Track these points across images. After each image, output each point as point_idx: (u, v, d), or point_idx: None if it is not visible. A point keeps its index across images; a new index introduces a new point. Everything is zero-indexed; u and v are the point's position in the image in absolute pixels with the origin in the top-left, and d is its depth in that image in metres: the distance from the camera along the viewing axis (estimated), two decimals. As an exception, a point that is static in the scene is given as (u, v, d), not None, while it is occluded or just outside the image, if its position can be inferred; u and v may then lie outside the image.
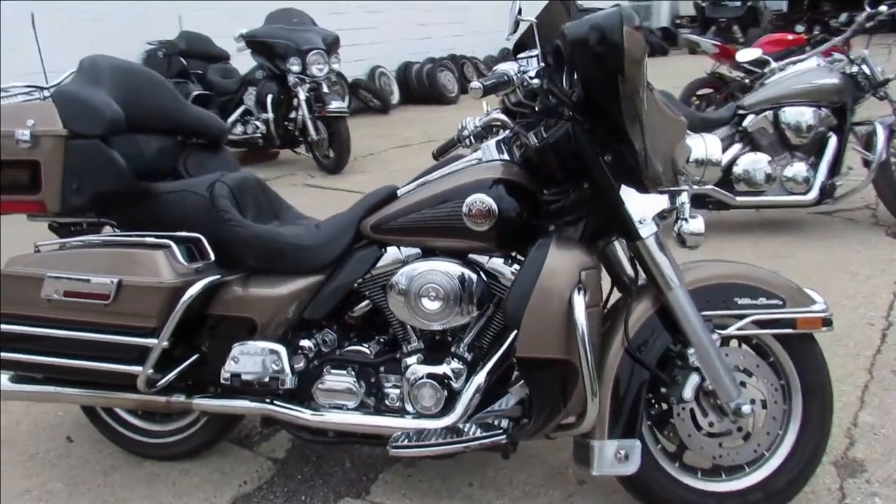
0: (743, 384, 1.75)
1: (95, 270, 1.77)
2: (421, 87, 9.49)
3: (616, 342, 1.72)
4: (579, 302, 1.57)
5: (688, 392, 1.72)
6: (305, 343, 1.89)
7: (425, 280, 1.73)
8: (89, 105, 1.77)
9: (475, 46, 11.21)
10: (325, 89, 5.74)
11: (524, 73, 1.61)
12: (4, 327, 1.83)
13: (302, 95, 5.60)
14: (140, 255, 1.77)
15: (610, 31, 1.43)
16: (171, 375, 1.84)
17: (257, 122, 5.82)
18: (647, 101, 1.57)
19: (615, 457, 1.68)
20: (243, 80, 6.05)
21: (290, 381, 1.82)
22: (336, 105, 5.56)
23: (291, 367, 1.84)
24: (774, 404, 1.79)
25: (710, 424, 1.74)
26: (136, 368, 1.77)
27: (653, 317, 1.73)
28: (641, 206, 1.66)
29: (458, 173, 1.78)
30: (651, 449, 1.75)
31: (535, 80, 1.61)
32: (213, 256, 1.83)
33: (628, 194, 1.65)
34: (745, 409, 1.68)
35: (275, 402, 1.86)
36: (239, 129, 6.00)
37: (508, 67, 1.62)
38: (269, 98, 5.70)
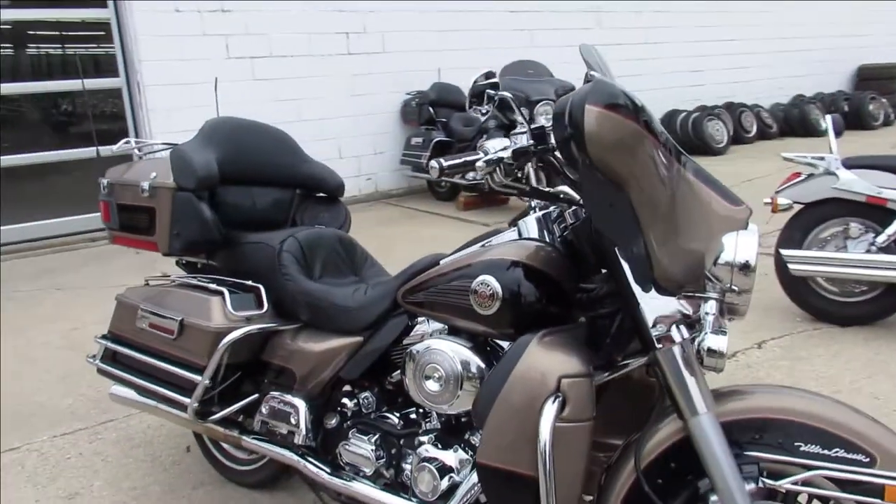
0: (796, 555, 1.35)
1: (170, 308, 2.00)
2: (685, 136, 8.96)
3: (630, 465, 1.44)
4: (548, 413, 1.35)
5: (707, 548, 1.37)
6: (345, 401, 1.91)
7: (430, 359, 1.64)
8: (189, 163, 2.02)
9: (760, 94, 10.28)
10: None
11: (504, 149, 1.46)
12: (109, 345, 2.16)
13: (527, 145, 5.66)
14: (201, 299, 1.95)
15: (574, 109, 1.24)
16: (225, 412, 1.99)
17: (484, 169, 6.01)
18: (668, 184, 1.32)
19: None
20: (479, 128, 6.30)
21: (302, 438, 1.86)
22: (556, 155, 5.52)
23: (312, 423, 1.87)
24: None
25: None
26: (187, 399, 1.95)
27: (683, 442, 1.42)
28: (664, 310, 1.38)
29: (485, 250, 1.66)
30: None
31: (509, 160, 1.45)
32: (265, 306, 1.95)
33: (650, 295, 1.39)
34: None
35: (305, 454, 1.91)
36: (470, 174, 6.25)
37: (494, 144, 1.48)
38: (495, 146, 5.86)
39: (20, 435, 2.73)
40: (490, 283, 1.54)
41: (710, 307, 1.34)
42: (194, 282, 2.05)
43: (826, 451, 1.33)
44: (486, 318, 1.57)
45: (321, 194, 2.42)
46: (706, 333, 1.33)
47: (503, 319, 1.55)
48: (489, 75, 1.52)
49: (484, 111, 1.52)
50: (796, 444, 1.35)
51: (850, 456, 1.31)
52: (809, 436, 1.34)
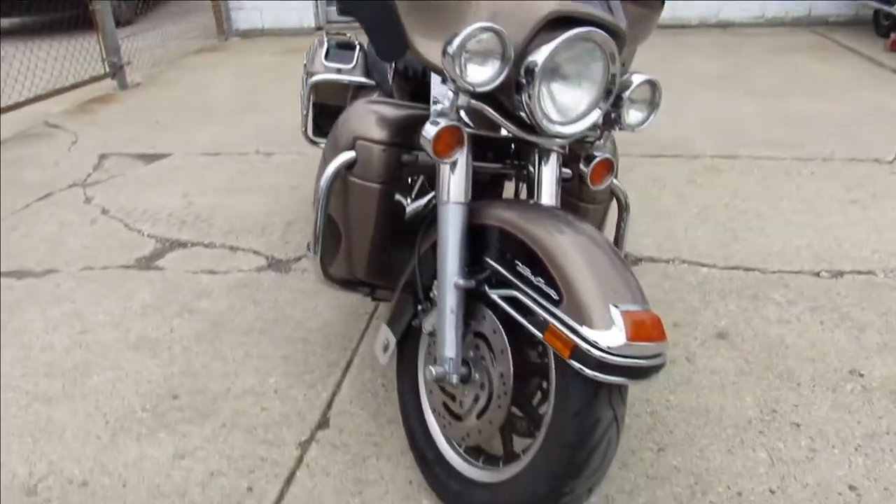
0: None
1: (311, 54, 2.56)
2: None
3: None
4: (335, 161, 1.54)
5: (428, 326, 1.47)
6: None
7: None
8: None
9: None
10: None
11: None
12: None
13: None
14: (316, 48, 2.46)
15: None
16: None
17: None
18: None
19: (382, 343, 1.63)
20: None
21: None
22: None
23: None
24: (498, 408, 1.33)
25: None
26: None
27: None
28: (444, 96, 1.39)
29: None
30: (419, 359, 1.59)
31: None
32: (354, 63, 2.36)
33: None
34: (446, 373, 1.34)
35: None
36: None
37: None
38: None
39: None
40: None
41: (442, 93, 1.31)
42: (323, 37, 2.57)
43: (530, 277, 1.27)
44: (392, 87, 1.75)
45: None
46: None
47: (399, 89, 1.71)
48: None
49: None
50: (516, 262, 1.30)
51: (545, 288, 1.24)
52: (528, 259, 1.28)
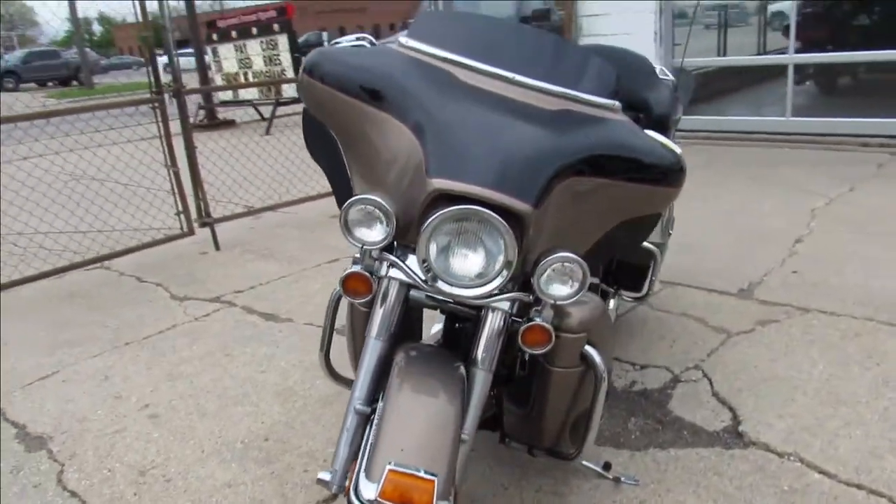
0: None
1: None
2: None
3: None
4: (337, 286, 1.82)
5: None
6: None
7: None
8: None
9: None
10: None
11: None
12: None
13: None
14: None
15: None
16: None
17: None
18: (373, 137, 1.54)
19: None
20: None
21: None
22: None
23: None
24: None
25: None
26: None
27: None
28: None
29: None
30: None
31: None
32: None
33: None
34: (329, 482, 1.54)
35: None
36: None
37: None
38: None
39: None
40: None
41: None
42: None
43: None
44: None
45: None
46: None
47: None
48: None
49: None
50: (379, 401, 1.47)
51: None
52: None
